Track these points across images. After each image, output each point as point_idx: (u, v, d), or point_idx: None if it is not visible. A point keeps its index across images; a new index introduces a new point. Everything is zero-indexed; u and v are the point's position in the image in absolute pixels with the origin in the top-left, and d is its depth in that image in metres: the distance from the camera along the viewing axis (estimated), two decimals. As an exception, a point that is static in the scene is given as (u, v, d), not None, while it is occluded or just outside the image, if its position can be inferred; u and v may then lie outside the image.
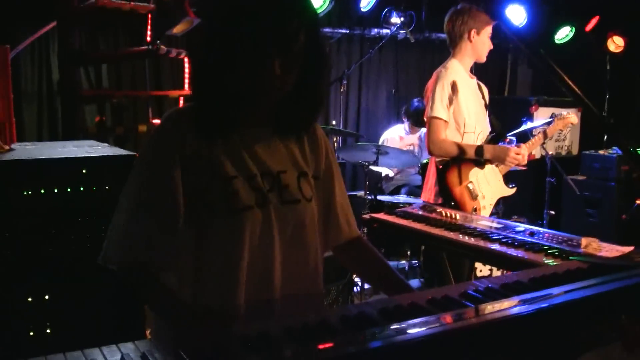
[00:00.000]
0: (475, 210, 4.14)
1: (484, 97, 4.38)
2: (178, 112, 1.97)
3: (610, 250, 2.47)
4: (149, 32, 5.58)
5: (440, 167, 4.20)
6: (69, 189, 2.78)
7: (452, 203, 4.08)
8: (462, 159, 4.13)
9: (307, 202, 1.96)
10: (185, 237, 1.85)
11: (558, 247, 2.53)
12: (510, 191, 4.37)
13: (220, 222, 1.83)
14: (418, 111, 6.89)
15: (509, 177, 4.41)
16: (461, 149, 4.11)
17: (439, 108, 4.07)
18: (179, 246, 1.86)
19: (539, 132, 4.66)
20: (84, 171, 2.81)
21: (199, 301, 1.86)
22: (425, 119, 4.23)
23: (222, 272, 1.84)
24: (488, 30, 4.25)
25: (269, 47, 1.76)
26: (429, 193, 4.32)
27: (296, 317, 1.46)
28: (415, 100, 7.13)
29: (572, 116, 4.81)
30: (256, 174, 1.88)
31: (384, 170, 6.96)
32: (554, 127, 4.79)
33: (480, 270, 4.37)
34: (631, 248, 2.42)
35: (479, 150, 4.13)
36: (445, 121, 4.09)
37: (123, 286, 1.93)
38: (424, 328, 1.29)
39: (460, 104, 4.15)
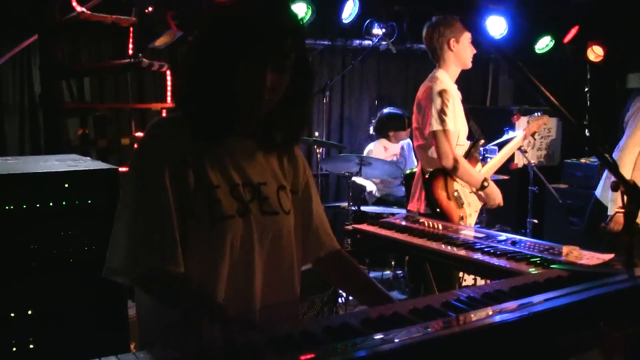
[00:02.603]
0: (462, 218, 4.17)
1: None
2: (164, 120, 2.03)
3: (590, 258, 2.49)
4: (131, 45, 5.57)
5: (427, 176, 4.22)
6: (51, 204, 2.77)
7: (439, 210, 4.10)
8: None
9: (286, 214, 1.99)
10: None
11: (540, 255, 2.55)
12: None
13: (203, 230, 1.85)
14: (393, 116, 6.90)
15: (491, 186, 4.45)
16: (471, 173, 4.19)
17: (444, 119, 4.08)
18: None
19: (504, 150, 4.67)
20: (66, 185, 2.80)
21: None
22: (425, 132, 4.21)
23: (203, 278, 1.86)
24: (467, 36, 4.27)
25: (264, 60, 1.79)
26: (417, 203, 4.33)
27: (280, 327, 1.48)
28: (382, 112, 7.13)
29: (545, 117, 4.84)
30: (238, 184, 1.91)
31: (368, 186, 6.97)
32: (528, 130, 4.81)
33: (465, 280, 4.39)
34: (611, 256, 2.45)
35: (483, 185, 4.20)
36: (448, 131, 4.10)
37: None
38: (406, 337, 1.30)
39: (456, 115, 4.17)
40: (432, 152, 4.19)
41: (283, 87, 1.87)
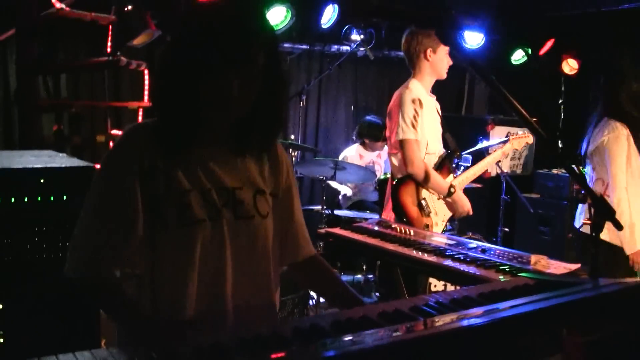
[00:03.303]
0: (427, 226, 4.20)
1: (439, 115, 4.45)
2: (138, 127, 2.02)
3: (557, 267, 2.54)
4: (109, 43, 5.56)
5: (394, 182, 4.26)
6: (26, 199, 2.77)
7: (405, 219, 4.13)
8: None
9: (262, 218, 2.00)
10: (143, 247, 1.89)
11: (509, 263, 2.59)
12: (464, 209, 4.45)
13: (173, 234, 1.87)
14: (373, 126, 6.93)
15: (463, 194, 4.49)
16: (436, 181, 4.20)
17: (409, 128, 4.11)
18: (139, 256, 1.89)
19: (479, 163, 4.71)
20: (42, 181, 2.80)
21: (155, 309, 1.89)
22: (392, 139, 4.25)
23: (174, 282, 1.88)
24: (445, 48, 4.30)
25: (228, 68, 1.80)
26: (388, 214, 4.36)
27: (249, 328, 1.50)
28: (367, 117, 7.17)
29: (529, 136, 4.90)
30: (211, 189, 1.92)
31: (342, 189, 6.99)
32: (509, 144, 4.87)
33: (435, 286, 4.43)
34: (578, 266, 2.50)
35: (450, 191, 4.22)
36: (417, 140, 4.14)
37: (85, 297, 1.94)
38: (374, 339, 1.33)
39: (424, 125, 4.21)
40: (400, 159, 4.23)
41: (252, 93, 1.88)
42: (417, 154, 4.13)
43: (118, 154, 1.93)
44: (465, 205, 4.33)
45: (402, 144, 4.14)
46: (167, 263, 1.88)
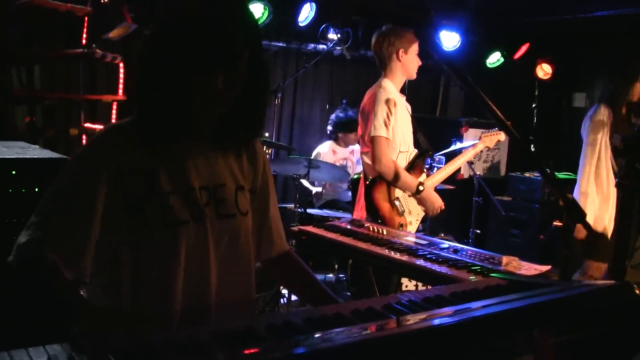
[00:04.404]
0: (402, 225, 4.22)
1: (410, 115, 4.48)
2: (114, 129, 1.99)
3: (529, 268, 2.56)
4: (84, 35, 5.52)
5: (367, 182, 4.27)
6: (-4, 190, 2.75)
7: (379, 219, 4.15)
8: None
9: (243, 216, 2.00)
10: (121, 251, 1.86)
11: (480, 264, 2.61)
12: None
13: (156, 236, 1.85)
14: (345, 121, 6.93)
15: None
16: (404, 178, 4.20)
17: (382, 126, 4.14)
18: (113, 259, 1.87)
19: (451, 162, 4.74)
20: (13, 172, 2.78)
21: (138, 310, 1.87)
22: (365, 137, 4.28)
23: (158, 284, 1.86)
24: (415, 48, 4.35)
25: (213, 62, 1.78)
26: (360, 213, 4.38)
27: (224, 323, 1.49)
28: (337, 111, 7.16)
29: (500, 134, 4.94)
30: (194, 188, 1.90)
31: (314, 189, 7.00)
32: (481, 143, 4.90)
33: (407, 286, 4.45)
34: (548, 267, 2.53)
35: (417, 189, 4.24)
36: (388, 139, 4.17)
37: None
38: (347, 337, 1.34)
39: (397, 123, 4.23)
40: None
41: (236, 88, 1.86)
42: (385, 152, 4.15)
43: (88, 156, 1.90)
44: (435, 202, 4.35)
45: (372, 141, 4.16)
46: (152, 264, 1.86)
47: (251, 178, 2.09)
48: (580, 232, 4.18)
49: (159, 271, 1.86)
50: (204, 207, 1.91)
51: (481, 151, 5.19)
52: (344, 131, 7.02)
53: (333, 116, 7.14)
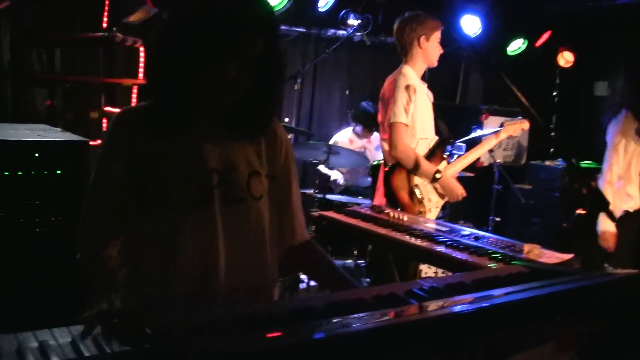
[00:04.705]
0: (420, 213, 4.21)
1: (431, 102, 4.46)
2: (129, 111, 2.03)
3: (550, 257, 2.54)
4: (105, 19, 5.52)
5: (387, 169, 4.26)
6: (19, 172, 2.76)
7: (398, 206, 4.13)
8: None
9: (255, 200, 1.99)
10: (131, 229, 1.91)
11: (501, 251, 2.59)
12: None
13: (163, 216, 1.88)
14: (368, 115, 6.92)
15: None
16: (421, 165, 4.18)
17: (401, 113, 4.12)
18: (124, 237, 1.92)
19: (472, 150, 4.70)
20: (36, 155, 2.79)
21: (139, 292, 1.90)
22: (385, 124, 4.26)
23: (162, 263, 1.89)
24: (437, 36, 4.33)
25: (226, 52, 1.80)
26: (380, 199, 4.37)
27: (244, 307, 1.50)
28: (363, 103, 7.16)
29: (524, 122, 4.88)
30: (202, 170, 1.92)
31: (333, 175, 6.99)
32: (504, 132, 4.85)
33: (425, 273, 4.44)
34: (570, 256, 2.51)
35: (435, 176, 4.20)
36: (407, 125, 4.15)
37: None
38: (369, 322, 1.34)
39: (418, 110, 4.22)
40: None
41: (249, 76, 1.87)
42: (403, 138, 4.13)
43: (108, 139, 1.96)
44: (455, 189, 4.32)
45: (391, 127, 4.15)
46: (158, 246, 1.89)
47: (270, 163, 2.07)
48: (608, 241, 4.11)
49: (160, 254, 1.89)
50: (213, 189, 1.92)
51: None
52: (363, 125, 7.02)
53: (362, 105, 7.12)
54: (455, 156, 4.92)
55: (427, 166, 4.22)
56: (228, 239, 1.93)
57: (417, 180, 4.25)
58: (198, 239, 1.89)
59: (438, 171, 4.23)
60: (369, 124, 6.96)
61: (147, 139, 1.88)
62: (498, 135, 4.83)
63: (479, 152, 4.66)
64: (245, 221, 1.98)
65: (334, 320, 1.34)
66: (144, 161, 1.87)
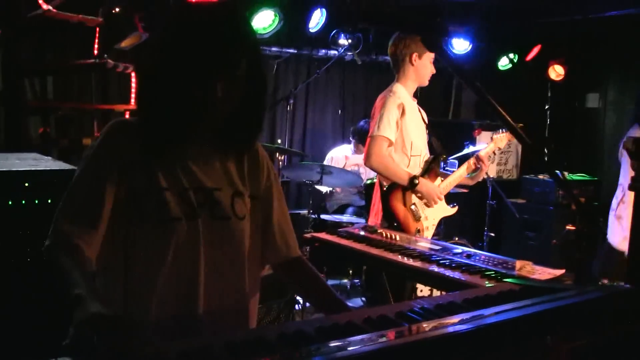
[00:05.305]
0: (418, 231, 4.21)
1: (424, 120, 4.46)
2: (123, 122, 2.04)
3: (542, 273, 2.55)
4: (96, 46, 5.55)
5: (384, 190, 4.26)
6: (10, 202, 2.76)
7: (396, 224, 4.13)
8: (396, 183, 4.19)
9: (239, 219, 2.01)
10: (115, 241, 1.90)
11: (494, 269, 2.60)
12: (451, 211, 4.46)
13: (148, 231, 1.89)
14: (363, 131, 6.95)
15: (450, 198, 4.50)
16: (398, 172, 4.17)
17: (386, 128, 4.12)
18: (107, 249, 1.90)
19: (464, 165, 4.68)
20: (26, 184, 2.79)
21: (126, 306, 1.90)
22: (368, 137, 4.27)
23: (145, 278, 1.89)
24: (430, 55, 4.34)
25: (212, 70, 1.83)
26: (375, 219, 4.36)
27: (235, 332, 1.49)
28: (362, 121, 7.20)
29: (509, 133, 4.85)
30: (188, 188, 1.94)
31: (327, 191, 7.00)
32: (492, 146, 4.82)
33: (421, 290, 4.43)
34: (562, 271, 2.51)
35: (412, 181, 4.19)
36: (390, 141, 4.15)
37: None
38: (359, 345, 1.33)
39: (407, 127, 4.22)
40: None
41: (236, 95, 1.91)
42: (377, 149, 4.11)
43: (103, 143, 1.95)
44: (432, 194, 4.28)
45: (371, 139, 4.16)
46: (141, 259, 1.90)
47: (252, 184, 2.10)
48: None
49: (145, 267, 1.89)
50: (198, 208, 1.93)
51: (494, 153, 5.12)
52: (360, 142, 7.04)
53: (361, 124, 7.17)
54: (449, 172, 4.92)
55: (402, 172, 4.19)
56: (210, 254, 1.94)
57: (414, 199, 4.25)
58: (182, 253, 1.90)
59: (415, 177, 4.20)
60: (362, 140, 6.98)
61: (138, 151, 1.90)
62: (486, 149, 4.81)
63: (469, 169, 4.63)
64: (228, 239, 2.00)
65: (325, 345, 1.33)
66: (132, 173, 1.89)
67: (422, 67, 4.34)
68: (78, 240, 1.82)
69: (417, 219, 4.23)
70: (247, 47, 1.91)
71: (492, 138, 4.88)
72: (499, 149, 4.94)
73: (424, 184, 4.23)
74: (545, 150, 7.58)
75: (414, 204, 4.24)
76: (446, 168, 5.58)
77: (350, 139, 7.36)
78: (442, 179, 4.47)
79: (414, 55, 4.30)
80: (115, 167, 1.89)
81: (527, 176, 7.61)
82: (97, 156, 1.93)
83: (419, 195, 4.27)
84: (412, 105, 4.34)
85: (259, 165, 2.14)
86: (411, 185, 4.19)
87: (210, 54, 1.82)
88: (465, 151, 5.75)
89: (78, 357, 1.33)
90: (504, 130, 4.89)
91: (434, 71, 4.41)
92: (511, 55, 7.69)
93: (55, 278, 1.81)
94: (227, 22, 1.88)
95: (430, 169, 4.37)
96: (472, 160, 4.61)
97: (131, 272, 1.90)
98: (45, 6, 4.90)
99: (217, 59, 1.83)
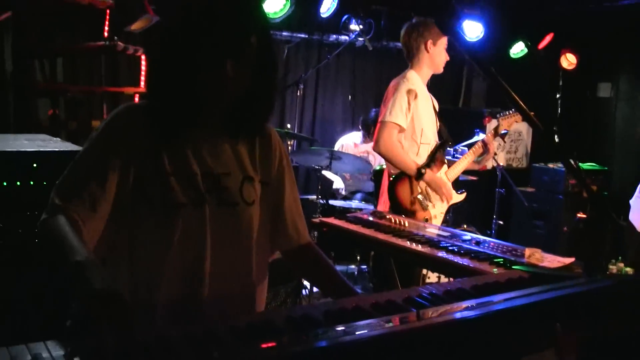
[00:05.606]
0: (426, 220, 4.19)
1: (435, 108, 4.44)
2: (134, 106, 2.04)
3: (552, 261, 2.53)
4: (106, 28, 5.54)
5: (391, 179, 4.24)
6: (18, 183, 2.76)
7: (404, 214, 4.11)
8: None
9: (247, 205, 1.99)
10: (121, 225, 1.90)
11: (502, 256, 2.58)
12: (459, 197, 4.43)
13: (154, 216, 1.88)
14: (372, 123, 6.92)
15: (459, 185, 4.48)
16: (405, 161, 4.15)
17: (398, 114, 4.10)
18: (113, 232, 1.90)
19: (470, 150, 4.63)
20: (34, 165, 2.79)
21: (132, 291, 1.89)
22: (378, 122, 4.25)
23: (150, 262, 1.89)
24: (444, 42, 4.32)
25: (222, 50, 1.81)
26: (384, 206, 4.35)
27: (241, 317, 1.49)
28: (373, 110, 7.17)
29: (517, 115, 4.80)
30: (196, 174, 1.92)
31: (336, 182, 6.99)
32: (499, 127, 4.77)
33: (429, 277, 4.42)
34: (572, 259, 2.50)
35: (419, 172, 4.17)
36: (401, 128, 4.13)
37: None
38: (366, 330, 1.32)
39: (419, 114, 4.20)
40: None
41: (247, 78, 1.89)
42: (387, 135, 4.11)
43: (112, 126, 1.94)
44: (441, 186, 4.27)
45: (381, 124, 4.16)
46: (147, 244, 1.90)
47: (263, 169, 2.08)
48: None
49: (150, 253, 1.89)
50: (205, 193, 1.92)
51: (504, 141, 5.09)
52: (369, 134, 7.03)
53: (370, 114, 7.14)
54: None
55: (409, 162, 4.18)
56: (216, 240, 1.93)
57: (421, 187, 4.23)
58: (188, 238, 1.89)
59: (422, 168, 4.19)
60: (371, 131, 6.97)
61: (146, 136, 1.89)
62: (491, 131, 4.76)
63: (475, 153, 4.59)
64: (235, 225, 1.98)
65: (332, 329, 1.33)
66: (139, 158, 1.88)
67: (437, 54, 4.32)
68: (74, 214, 1.80)
69: (424, 207, 4.22)
70: (257, 25, 1.90)
71: (498, 119, 4.82)
72: (506, 130, 4.86)
73: (430, 176, 4.22)
74: (556, 138, 7.55)
75: (421, 192, 4.22)
76: (456, 156, 5.56)
77: (360, 128, 7.33)
78: (449, 166, 4.44)
79: (429, 42, 4.28)
80: (119, 152, 1.88)
81: (537, 164, 7.59)
82: (101, 139, 1.92)
83: (427, 186, 4.26)
84: (425, 93, 4.32)
85: (271, 150, 2.11)
86: (418, 176, 4.18)
87: (220, 31, 1.80)
88: (475, 138, 5.71)
89: (82, 340, 1.32)
90: (511, 111, 4.84)
91: (448, 58, 4.39)
92: (524, 42, 7.65)
93: (49, 250, 1.81)
94: (239, 4, 1.87)
95: (436, 157, 4.34)
96: (478, 144, 4.58)
97: (137, 255, 1.90)
98: (55, -13, 4.89)
99: (226, 35, 1.81)
